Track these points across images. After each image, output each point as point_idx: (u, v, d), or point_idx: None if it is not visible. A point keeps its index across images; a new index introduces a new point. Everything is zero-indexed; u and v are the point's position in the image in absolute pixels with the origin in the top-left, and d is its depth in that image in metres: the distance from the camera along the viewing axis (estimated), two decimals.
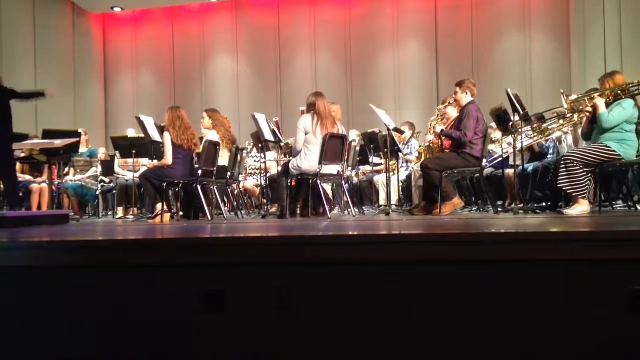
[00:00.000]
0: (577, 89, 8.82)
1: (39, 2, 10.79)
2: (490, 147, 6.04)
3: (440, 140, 5.76)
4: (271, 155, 7.18)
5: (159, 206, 5.64)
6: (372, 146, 6.68)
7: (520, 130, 5.29)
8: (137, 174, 6.67)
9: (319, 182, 5.35)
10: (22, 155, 6.33)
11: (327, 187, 6.38)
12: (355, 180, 7.61)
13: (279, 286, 2.27)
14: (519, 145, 5.33)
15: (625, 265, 2.07)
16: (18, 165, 6.91)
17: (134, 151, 6.92)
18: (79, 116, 11.33)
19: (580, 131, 5.01)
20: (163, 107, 6.52)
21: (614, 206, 5.55)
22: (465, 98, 5.41)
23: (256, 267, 2.31)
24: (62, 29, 11.36)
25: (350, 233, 2.70)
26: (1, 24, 9.98)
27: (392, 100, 10.91)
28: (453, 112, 5.79)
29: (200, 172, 5.57)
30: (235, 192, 7.42)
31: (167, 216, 5.60)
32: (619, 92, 4.48)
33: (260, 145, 6.50)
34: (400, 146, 6.55)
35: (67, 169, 7.58)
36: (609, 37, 8.39)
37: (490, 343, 2.16)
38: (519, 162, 5.53)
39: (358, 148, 6.88)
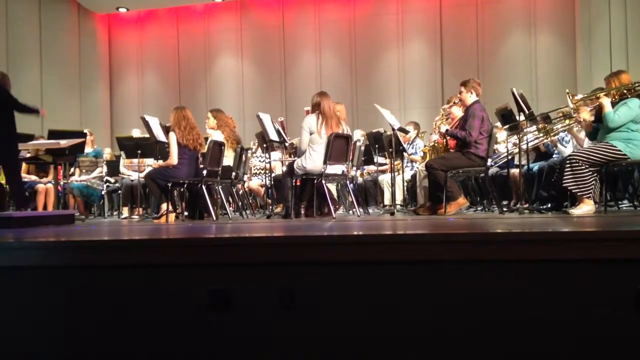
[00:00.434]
0: (582, 88, 8.79)
1: (45, 2, 10.83)
2: (496, 146, 6.02)
3: (445, 140, 5.76)
4: (276, 155, 7.18)
5: (164, 206, 5.65)
6: (376, 146, 6.67)
7: (525, 129, 5.28)
8: (142, 174, 6.69)
9: (323, 182, 5.35)
10: (28, 155, 6.36)
11: (332, 187, 6.38)
12: (360, 180, 7.61)
13: (284, 286, 2.27)
14: (524, 145, 5.31)
15: (631, 264, 2.06)
16: (24, 166, 6.95)
17: (139, 151, 6.94)
18: (85, 116, 11.37)
19: (582, 133, 5.02)
20: (168, 107, 6.53)
21: (620, 206, 5.52)
22: (470, 97, 5.40)
23: (261, 267, 2.31)
24: (67, 30, 11.39)
25: (355, 233, 2.70)
26: (7, 24, 10.02)
27: (396, 99, 10.90)
28: (458, 112, 5.78)
29: (205, 172, 5.58)
30: (240, 192, 7.43)
31: (172, 216, 5.61)
32: (625, 91, 4.46)
33: (265, 145, 6.51)
34: (405, 146, 6.54)
35: (72, 169, 7.61)
36: (615, 36, 8.36)
37: (494, 342, 2.15)
38: (524, 162, 5.51)
39: (363, 148, 6.87)
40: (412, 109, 10.72)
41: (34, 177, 7.47)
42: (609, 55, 8.42)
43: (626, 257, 2.07)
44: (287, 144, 6.57)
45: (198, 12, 12.04)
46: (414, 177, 6.67)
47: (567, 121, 5.38)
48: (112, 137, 11.17)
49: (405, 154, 6.65)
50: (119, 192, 7.88)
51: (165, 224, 5.08)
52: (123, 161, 7.96)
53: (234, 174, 6.36)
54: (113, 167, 8.07)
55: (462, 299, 2.17)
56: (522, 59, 10.44)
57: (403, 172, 6.73)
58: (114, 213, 8.17)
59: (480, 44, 10.63)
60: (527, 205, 5.23)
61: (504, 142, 6.13)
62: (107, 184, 8.02)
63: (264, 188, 7.41)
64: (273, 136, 5.96)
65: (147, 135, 6.33)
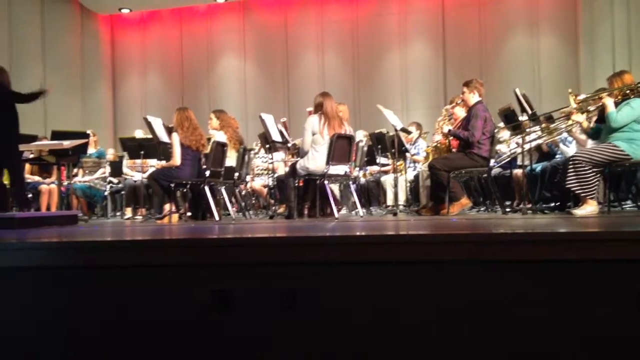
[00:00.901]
0: (585, 88, 8.76)
1: (48, 3, 10.85)
2: (498, 147, 6.02)
3: (447, 140, 5.75)
4: (279, 155, 7.19)
5: (167, 207, 5.66)
6: (379, 146, 6.67)
7: (528, 130, 5.27)
8: (145, 175, 6.71)
9: (326, 182, 5.35)
10: (31, 156, 6.37)
11: (335, 188, 6.38)
12: (363, 180, 7.61)
13: (286, 286, 2.27)
14: (527, 146, 5.30)
15: (634, 265, 2.06)
16: (27, 166, 6.96)
17: (142, 152, 6.95)
18: (87, 117, 11.38)
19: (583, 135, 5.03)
20: (171, 108, 6.55)
21: (623, 206, 5.51)
22: (473, 98, 5.40)
23: (263, 267, 2.31)
24: (70, 31, 11.41)
25: (358, 233, 2.70)
26: (10, 25, 10.04)
27: (399, 100, 10.89)
28: (461, 112, 5.78)
29: (208, 172, 5.58)
30: (243, 192, 7.44)
31: (175, 216, 5.63)
32: (628, 91, 4.45)
33: (267, 146, 6.52)
34: (408, 146, 6.54)
35: (75, 170, 7.62)
36: (617, 36, 8.34)
37: (497, 343, 2.15)
38: (527, 162, 5.50)
39: (365, 148, 6.87)
40: (414, 109, 10.71)
41: (37, 178, 7.48)
42: (611, 56, 8.40)
43: (629, 257, 2.07)
44: (289, 145, 6.58)
45: (201, 13, 12.05)
46: (416, 177, 6.67)
47: (569, 121, 5.37)
48: (115, 138, 11.17)
49: (407, 155, 6.65)
50: (122, 192, 7.90)
51: (168, 225, 5.09)
52: (126, 162, 7.98)
53: (236, 174, 6.37)
54: (116, 168, 8.08)
55: (464, 299, 2.17)
56: (524, 59, 10.42)
57: (405, 172, 6.74)
58: (117, 213, 8.18)
59: (482, 45, 10.62)
60: (530, 206, 5.22)
61: (507, 143, 6.13)
62: (110, 184, 8.03)
63: (266, 188, 7.41)
64: (276, 137, 5.97)
65: (150, 136, 6.34)
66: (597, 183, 4.35)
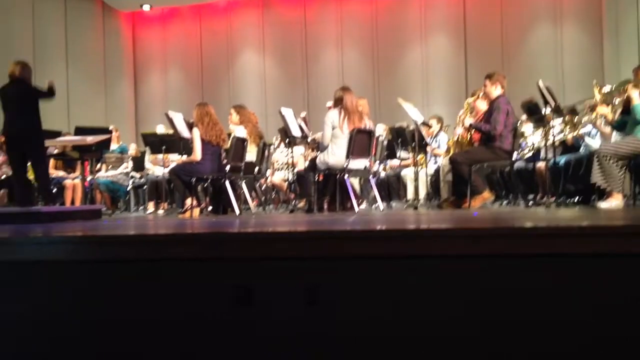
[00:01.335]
0: (610, 80, 8.59)
1: (70, 1, 10.98)
2: (521, 140, 5.94)
3: (469, 134, 5.70)
4: (298, 150, 7.19)
5: (188, 201, 5.71)
6: (399, 140, 6.64)
7: (551, 123, 5.19)
8: (167, 170, 6.77)
9: (346, 176, 5.34)
10: (56, 151, 6.47)
11: (355, 182, 6.37)
12: (383, 174, 7.58)
13: (307, 281, 2.27)
14: (550, 138, 5.23)
15: None
16: (51, 162, 7.07)
17: (163, 147, 7.02)
18: (110, 113, 11.52)
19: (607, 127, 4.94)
20: (191, 104, 6.58)
21: None
22: (495, 91, 5.33)
23: (284, 262, 2.31)
24: (92, 28, 11.55)
25: (378, 227, 2.69)
26: (34, 23, 10.19)
27: (419, 94, 10.81)
28: (482, 105, 5.71)
29: (228, 167, 5.61)
30: (263, 187, 7.46)
31: (196, 211, 5.67)
32: None
33: (287, 141, 6.53)
34: (428, 140, 6.49)
35: (98, 165, 7.72)
36: None
37: (521, 339, 2.12)
38: (550, 155, 5.43)
39: (385, 142, 6.84)
40: (435, 103, 10.62)
41: (61, 173, 7.59)
42: (637, 47, 8.23)
43: None
44: (309, 139, 6.58)
45: (220, 9, 12.09)
46: (437, 171, 6.62)
47: (593, 114, 5.28)
48: (137, 133, 11.29)
49: (428, 148, 6.61)
50: (145, 187, 7.98)
51: (190, 219, 5.13)
52: (148, 157, 8.06)
53: (256, 169, 6.39)
54: (138, 163, 8.17)
55: (488, 294, 2.15)
56: (547, 51, 10.25)
57: (426, 166, 6.69)
58: (140, 208, 8.28)
59: (505, 36, 10.48)
60: (553, 199, 5.15)
61: (530, 136, 6.05)
62: (133, 179, 8.12)
63: (286, 183, 7.43)
64: (295, 131, 5.97)
65: (172, 132, 6.40)
66: (622, 176, 4.27)
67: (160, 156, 7.38)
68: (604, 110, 4.63)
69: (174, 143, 6.77)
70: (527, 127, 6.00)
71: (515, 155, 5.50)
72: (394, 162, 7.66)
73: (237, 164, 5.74)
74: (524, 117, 5.78)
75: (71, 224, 4.13)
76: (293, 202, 6.55)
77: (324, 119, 5.47)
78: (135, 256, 2.45)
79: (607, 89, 4.69)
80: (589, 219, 2.83)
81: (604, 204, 4.20)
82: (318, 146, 6.09)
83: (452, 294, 2.18)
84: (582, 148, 5.85)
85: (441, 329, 2.18)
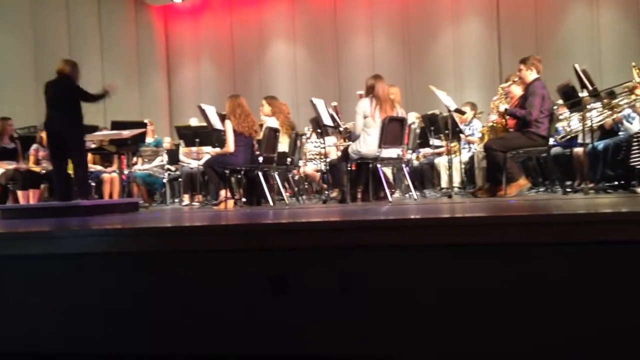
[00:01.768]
0: None
1: None
2: (557, 125, 5.81)
3: (504, 120, 5.59)
4: (330, 140, 7.18)
5: (222, 193, 5.76)
6: (432, 128, 6.56)
7: (589, 106, 5.06)
8: (201, 162, 6.84)
9: (378, 166, 5.31)
10: (93, 146, 6.61)
11: (387, 171, 6.33)
12: (416, 163, 7.51)
13: (341, 270, 2.28)
14: (588, 123, 5.10)
15: None
16: (90, 156, 7.22)
17: (197, 139, 7.09)
18: (144, 107, 11.70)
19: None
20: (224, 96, 6.63)
21: None
22: (530, 75, 5.21)
23: (318, 252, 2.33)
24: (125, 22, 11.72)
25: (412, 217, 2.67)
26: (69, 17, 10.37)
27: (452, 80, 10.65)
28: (517, 91, 5.60)
29: (261, 158, 5.64)
30: (296, 177, 7.48)
31: (230, 202, 5.72)
32: None
33: (319, 131, 6.52)
34: (462, 127, 6.40)
35: (135, 159, 7.86)
36: None
37: (560, 326, 2.09)
38: (588, 140, 5.29)
39: (418, 130, 6.77)
40: (468, 89, 10.45)
41: (99, 167, 7.76)
42: None
43: None
44: (341, 129, 6.56)
45: (250, 0, 12.13)
46: (471, 158, 6.53)
47: (632, 96, 5.12)
48: (171, 127, 11.44)
49: (462, 136, 6.52)
50: (180, 180, 8.09)
51: (225, 211, 5.19)
52: (182, 149, 8.16)
53: (289, 159, 6.41)
54: (173, 156, 8.28)
55: (527, 282, 2.11)
56: (583, 34, 9.97)
57: (460, 153, 6.60)
58: (176, 200, 8.40)
59: (539, 20, 10.22)
60: (592, 185, 5.03)
61: (567, 120, 5.91)
62: (168, 172, 8.24)
63: (319, 173, 7.43)
64: (327, 121, 5.96)
65: (205, 124, 6.46)
66: None
67: (194, 149, 7.47)
68: None
69: (207, 135, 6.83)
70: (564, 112, 5.86)
71: (551, 141, 5.37)
72: (427, 150, 7.58)
73: (269, 155, 5.77)
74: (560, 101, 5.65)
75: (110, 217, 4.23)
76: (326, 193, 6.55)
77: (355, 108, 5.44)
78: (171, 248, 2.50)
79: None
80: (629, 206, 2.75)
81: None
82: (350, 136, 6.07)
83: (488, 281, 2.16)
84: (620, 132, 5.69)
85: (476, 316, 2.16)
